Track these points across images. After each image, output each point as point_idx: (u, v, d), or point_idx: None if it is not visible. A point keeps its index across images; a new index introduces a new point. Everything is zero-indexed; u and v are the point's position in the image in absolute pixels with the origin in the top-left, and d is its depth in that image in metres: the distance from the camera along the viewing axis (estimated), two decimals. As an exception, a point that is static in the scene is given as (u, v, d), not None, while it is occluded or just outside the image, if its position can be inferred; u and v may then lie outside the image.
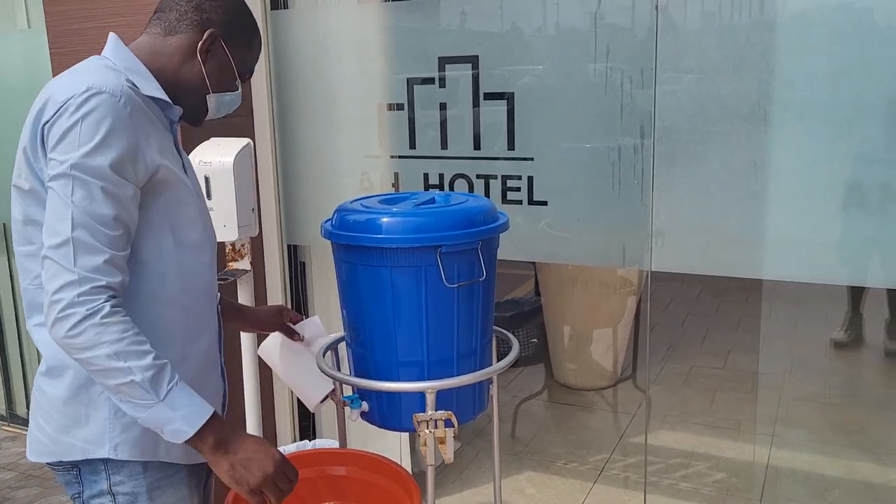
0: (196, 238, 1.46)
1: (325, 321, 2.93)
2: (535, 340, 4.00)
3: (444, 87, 2.50)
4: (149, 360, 1.25)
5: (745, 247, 2.21)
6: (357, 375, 1.78)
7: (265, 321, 1.90)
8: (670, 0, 2.16)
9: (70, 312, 1.22)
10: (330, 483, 1.81)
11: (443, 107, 2.51)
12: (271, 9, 2.70)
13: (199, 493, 1.56)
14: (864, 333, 4.09)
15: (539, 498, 3.01)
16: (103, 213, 1.26)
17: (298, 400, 2.05)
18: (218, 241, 2.19)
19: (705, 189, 2.22)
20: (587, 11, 2.27)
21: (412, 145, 2.57)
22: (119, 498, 1.42)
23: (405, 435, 2.79)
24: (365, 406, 1.76)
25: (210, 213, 2.19)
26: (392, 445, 2.81)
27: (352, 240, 1.66)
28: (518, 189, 2.43)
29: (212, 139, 2.34)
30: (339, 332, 1.91)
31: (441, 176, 2.54)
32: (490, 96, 2.43)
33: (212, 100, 1.49)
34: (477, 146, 2.48)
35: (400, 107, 2.57)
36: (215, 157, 2.23)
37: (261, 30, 2.64)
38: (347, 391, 1.81)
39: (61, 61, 2.64)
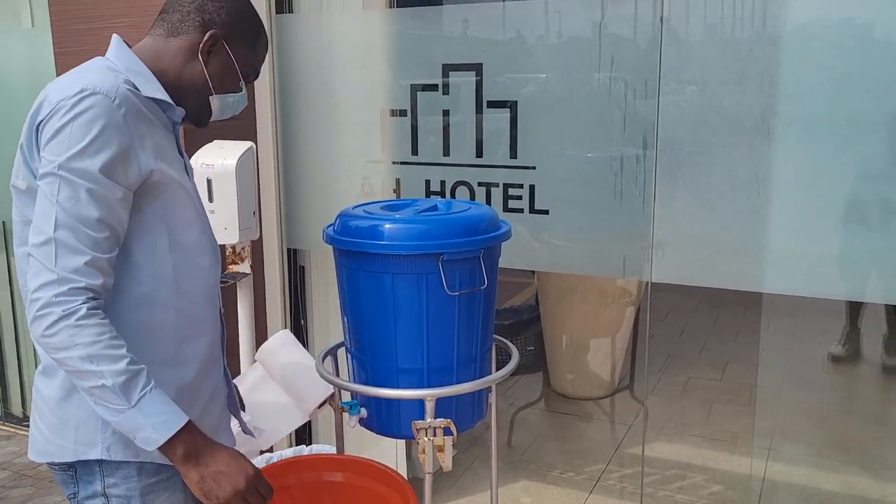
0: (194, 240, 1.45)
1: (324, 326, 2.95)
2: (532, 348, 3.99)
3: (448, 94, 2.50)
4: (121, 365, 1.24)
5: (745, 260, 2.21)
6: (357, 382, 1.78)
7: None
8: (674, 11, 2.17)
9: (47, 312, 1.22)
10: (327, 489, 1.81)
11: (445, 114, 2.51)
12: (276, 13, 2.71)
13: (196, 498, 1.55)
14: (861, 348, 4.09)
15: (535, 507, 3.01)
16: (88, 214, 1.25)
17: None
18: (219, 244, 2.20)
19: (707, 201, 2.22)
20: (591, 21, 2.28)
21: (414, 151, 2.57)
22: (113, 500, 1.41)
23: (401, 441, 2.79)
24: (363, 412, 1.75)
25: (211, 215, 2.21)
26: (388, 451, 2.80)
27: (354, 246, 1.66)
28: (519, 197, 2.43)
29: (215, 142, 2.33)
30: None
31: (443, 183, 2.54)
32: (493, 104, 2.43)
33: (215, 101, 1.48)
34: (479, 154, 2.48)
35: (403, 113, 2.57)
36: (218, 159, 2.23)
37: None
38: (346, 397, 1.80)
39: (65, 61, 2.64)
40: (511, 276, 3.90)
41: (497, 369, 1.79)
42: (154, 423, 1.26)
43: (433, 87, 2.51)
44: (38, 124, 1.29)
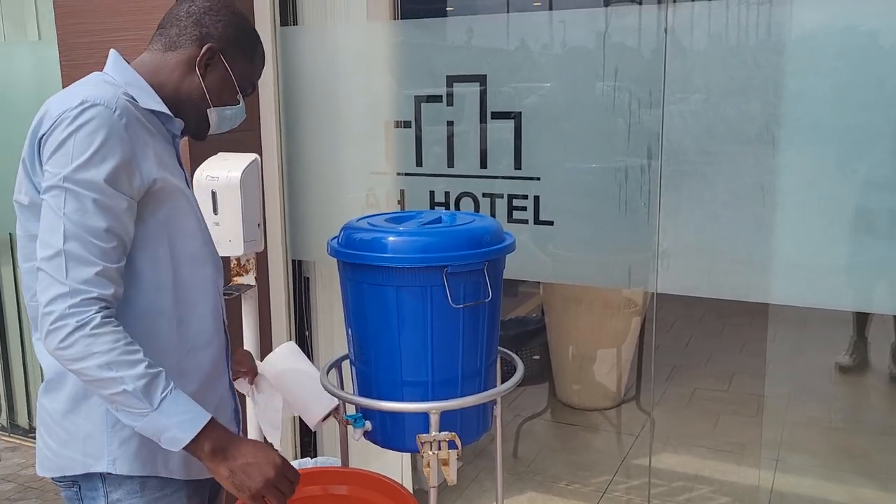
0: (195, 251, 1.46)
1: (329, 337, 2.95)
2: (538, 357, 3.97)
3: (452, 104, 2.50)
4: (140, 368, 1.25)
5: (751, 270, 2.20)
6: (361, 394, 1.77)
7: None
8: (678, 21, 2.17)
9: (61, 324, 1.23)
10: (332, 502, 1.80)
11: (450, 125, 2.51)
12: (281, 25, 2.71)
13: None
14: (869, 358, 4.06)
15: (541, 519, 2.99)
16: (96, 225, 1.26)
17: (300, 417, 2.04)
18: (223, 255, 2.20)
19: (712, 211, 2.21)
20: (595, 31, 2.28)
21: (419, 163, 2.57)
22: None
23: (407, 453, 2.78)
24: (368, 425, 1.75)
25: (216, 227, 2.22)
26: (393, 463, 2.79)
27: (358, 258, 1.65)
28: (524, 208, 2.42)
29: (219, 154, 2.34)
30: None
31: (447, 194, 2.54)
32: (497, 115, 2.43)
33: (213, 114, 1.49)
34: (483, 165, 2.48)
35: (407, 124, 2.57)
36: (222, 171, 2.23)
37: (270, 46, 2.67)
38: (350, 410, 1.79)
39: (71, 74, 2.65)
40: (516, 286, 3.89)
41: (503, 381, 1.78)
42: (179, 423, 1.27)
43: (437, 98, 2.51)
44: (41, 138, 1.30)
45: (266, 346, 2.66)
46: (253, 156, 2.30)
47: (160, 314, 1.41)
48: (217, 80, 1.47)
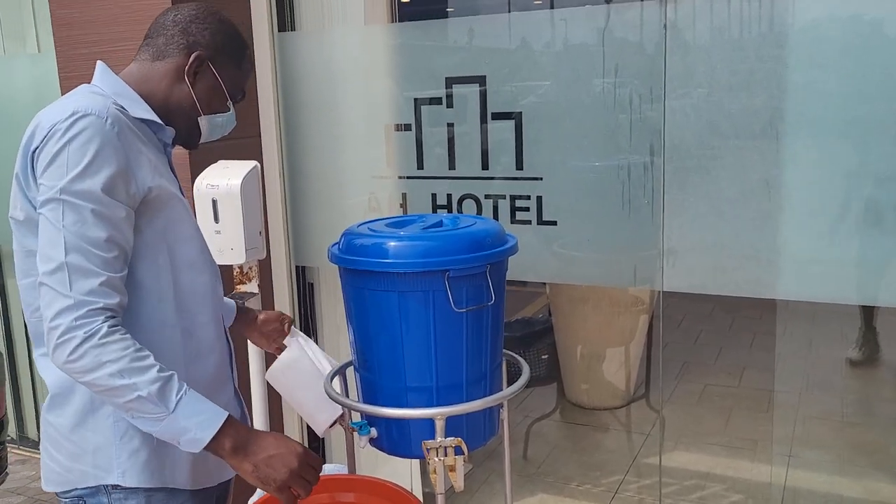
0: (193, 257, 1.45)
1: (334, 343, 2.94)
2: (546, 356, 3.95)
3: (452, 106, 2.49)
4: (153, 373, 1.24)
5: (758, 266, 2.17)
6: (365, 401, 1.75)
7: (264, 332, 1.88)
8: (679, 16, 2.15)
9: (69, 337, 1.22)
10: (339, 510, 1.79)
11: (450, 127, 2.50)
12: (278, 31, 2.70)
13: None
14: (879, 350, 4.03)
15: (552, 521, 2.97)
16: (96, 235, 1.25)
17: (308, 424, 2.04)
18: (226, 264, 2.19)
19: (717, 207, 2.19)
20: (595, 28, 2.26)
21: (420, 166, 2.56)
22: None
23: (415, 458, 2.76)
24: (373, 432, 1.73)
25: (217, 236, 2.21)
26: (402, 468, 2.78)
27: (359, 264, 1.64)
28: (527, 209, 2.41)
29: (219, 162, 2.33)
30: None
31: (449, 196, 2.52)
32: (498, 116, 2.42)
33: (204, 122, 1.48)
34: (485, 166, 2.46)
35: (407, 127, 2.56)
36: (222, 179, 2.22)
37: (268, 52, 2.66)
38: (356, 417, 1.78)
39: (70, 85, 2.65)
40: (522, 286, 3.87)
41: (509, 384, 1.76)
42: (197, 423, 1.26)
43: (437, 101, 2.50)
44: (33, 152, 1.29)
45: (271, 355, 2.65)
46: (253, 163, 2.29)
47: (164, 324, 1.40)
48: (206, 88, 1.46)
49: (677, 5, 2.14)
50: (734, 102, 2.13)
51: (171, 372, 1.27)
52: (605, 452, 3.53)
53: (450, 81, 2.47)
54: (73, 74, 2.67)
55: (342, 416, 1.88)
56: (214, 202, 2.22)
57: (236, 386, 1.62)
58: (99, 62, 1.45)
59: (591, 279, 2.55)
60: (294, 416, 2.86)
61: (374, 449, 1.80)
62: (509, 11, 2.41)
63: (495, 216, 2.45)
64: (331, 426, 1.97)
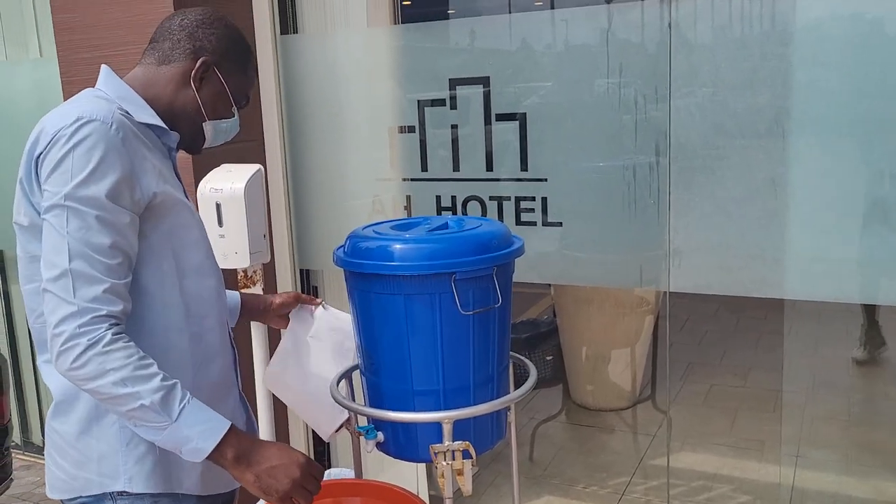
0: (199, 262, 1.45)
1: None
2: (552, 357, 3.94)
3: (455, 108, 2.48)
4: (156, 382, 1.24)
5: (764, 266, 2.16)
6: (371, 405, 1.74)
7: (283, 315, 1.87)
8: (682, 15, 2.14)
9: (72, 344, 1.21)
10: (345, 515, 1.78)
11: (454, 128, 2.49)
12: (281, 34, 2.70)
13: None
14: (884, 348, 4.00)
15: (559, 523, 2.96)
16: (100, 242, 1.25)
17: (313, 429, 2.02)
18: (230, 268, 2.18)
19: (722, 207, 2.18)
20: (598, 28, 2.25)
21: (424, 168, 2.55)
22: None
23: (422, 461, 2.75)
24: (380, 436, 1.72)
25: (221, 240, 2.20)
26: (408, 471, 2.77)
27: (364, 267, 1.63)
28: (532, 210, 2.40)
29: (223, 166, 2.32)
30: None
31: (453, 198, 2.52)
32: (502, 117, 2.41)
33: (208, 127, 1.48)
34: (489, 168, 2.45)
35: (411, 129, 2.55)
36: (226, 183, 2.21)
37: (271, 55, 2.65)
38: (362, 421, 1.77)
39: (72, 90, 2.65)
40: (527, 287, 3.85)
41: (516, 386, 1.75)
42: (199, 433, 1.26)
43: (441, 102, 2.49)
44: (37, 157, 1.29)
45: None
46: (256, 166, 2.29)
47: (170, 329, 1.40)
48: (212, 94, 1.46)
49: (680, 4, 2.14)
50: (739, 101, 2.12)
51: (174, 381, 1.26)
52: (612, 454, 3.51)
53: (453, 83, 2.46)
54: (75, 79, 2.67)
55: (348, 419, 1.87)
56: (218, 206, 2.21)
57: (241, 391, 1.61)
58: (103, 66, 1.44)
59: (597, 280, 2.55)
60: (300, 420, 2.85)
61: (380, 453, 1.79)
62: (510, 12, 2.40)
63: (500, 218, 2.44)
64: (337, 430, 1.96)
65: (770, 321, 4.41)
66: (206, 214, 2.22)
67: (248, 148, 2.64)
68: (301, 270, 2.85)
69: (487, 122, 2.43)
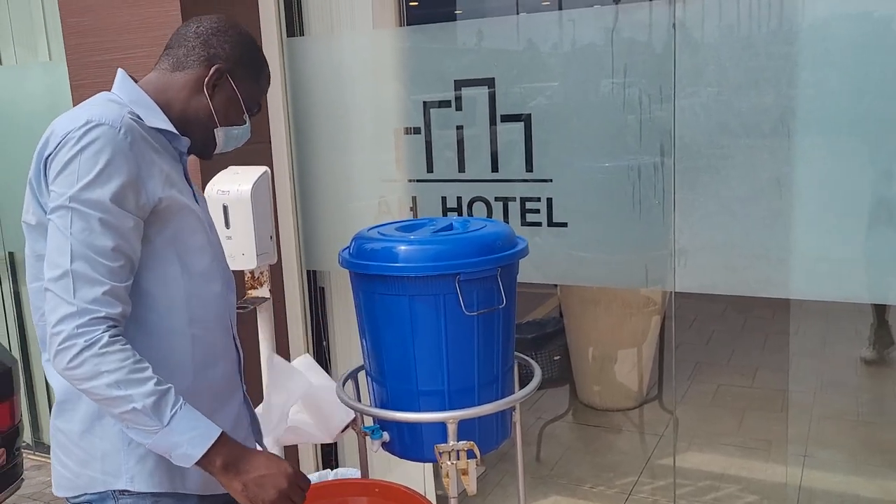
0: (205, 267, 1.46)
1: (347, 347, 2.94)
2: (559, 357, 3.94)
3: (461, 109, 2.49)
4: (149, 386, 1.25)
5: (769, 266, 2.16)
6: (377, 405, 1.76)
7: None
8: (688, 15, 2.14)
9: (70, 344, 1.23)
10: (351, 514, 1.79)
11: (459, 129, 2.50)
12: (287, 36, 2.71)
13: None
14: (893, 346, 3.99)
15: (566, 523, 2.96)
16: (102, 244, 1.26)
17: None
18: (237, 269, 2.20)
19: (728, 207, 2.18)
20: (603, 28, 2.25)
21: (430, 169, 2.56)
22: None
23: (428, 461, 2.76)
24: (386, 437, 1.73)
25: (228, 241, 2.21)
26: (415, 471, 2.78)
27: (369, 269, 1.64)
28: (537, 211, 2.40)
29: (229, 168, 2.34)
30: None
31: (459, 199, 2.52)
32: (507, 118, 2.42)
33: (220, 134, 1.49)
34: (495, 168, 2.46)
35: (417, 130, 2.56)
36: (233, 185, 2.23)
37: (277, 57, 2.67)
38: (368, 421, 1.78)
39: (81, 93, 2.67)
40: (533, 288, 3.86)
41: (521, 386, 1.76)
42: (189, 439, 1.27)
43: (446, 103, 2.50)
44: (46, 158, 1.31)
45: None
46: (263, 168, 2.30)
47: (172, 332, 1.41)
48: (224, 101, 1.47)
49: (686, 4, 2.14)
50: (744, 101, 2.12)
51: (168, 386, 1.28)
52: (619, 454, 3.51)
53: (458, 84, 2.47)
54: (84, 82, 2.69)
55: (354, 420, 1.88)
56: (225, 208, 2.23)
57: (246, 393, 1.62)
58: (119, 70, 1.46)
59: (602, 280, 2.55)
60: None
61: (386, 453, 1.80)
62: (517, 13, 2.41)
63: (505, 218, 2.45)
64: (343, 430, 1.97)
65: (777, 321, 4.39)
66: (214, 216, 2.22)
67: (255, 150, 2.65)
68: (308, 271, 2.87)
69: (493, 122, 2.44)
